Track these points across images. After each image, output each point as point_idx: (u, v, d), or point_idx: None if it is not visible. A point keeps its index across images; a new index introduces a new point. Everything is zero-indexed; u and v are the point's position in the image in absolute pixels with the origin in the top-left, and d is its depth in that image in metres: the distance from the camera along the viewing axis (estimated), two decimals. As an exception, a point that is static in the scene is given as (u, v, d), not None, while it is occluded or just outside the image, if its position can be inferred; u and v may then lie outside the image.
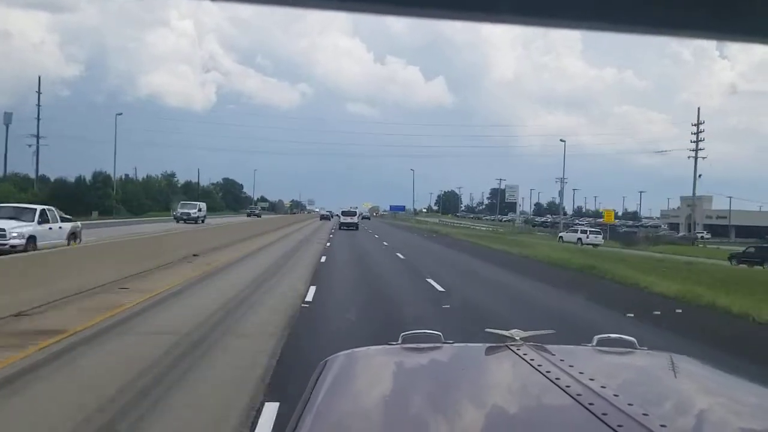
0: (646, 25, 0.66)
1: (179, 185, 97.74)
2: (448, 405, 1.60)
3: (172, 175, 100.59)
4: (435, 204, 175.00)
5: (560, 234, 55.83)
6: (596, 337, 2.06)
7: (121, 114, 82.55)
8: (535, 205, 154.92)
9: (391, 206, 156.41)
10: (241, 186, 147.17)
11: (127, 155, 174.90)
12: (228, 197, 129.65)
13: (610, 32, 0.67)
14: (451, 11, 0.64)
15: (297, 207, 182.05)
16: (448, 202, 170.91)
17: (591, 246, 46.96)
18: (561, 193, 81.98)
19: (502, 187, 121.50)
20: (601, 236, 52.49)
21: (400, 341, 2.05)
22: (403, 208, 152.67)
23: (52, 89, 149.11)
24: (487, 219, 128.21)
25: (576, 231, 54.91)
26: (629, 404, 1.38)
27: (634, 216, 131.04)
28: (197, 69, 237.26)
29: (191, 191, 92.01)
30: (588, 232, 53.36)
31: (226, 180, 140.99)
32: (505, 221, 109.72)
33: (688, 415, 1.56)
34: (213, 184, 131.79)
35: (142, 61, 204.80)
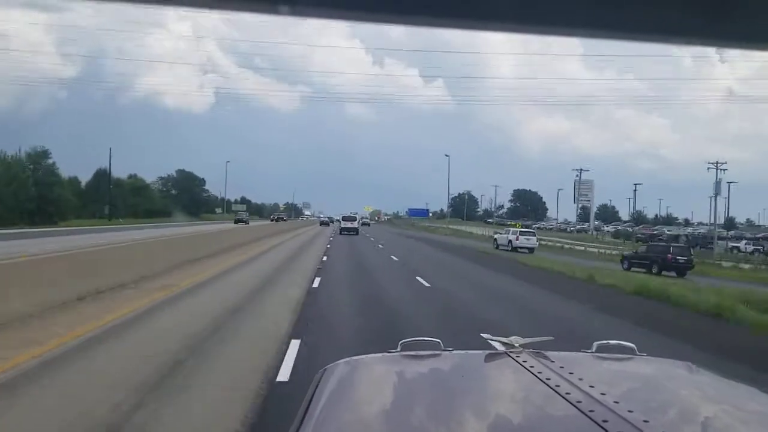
0: (641, 32, 0.66)
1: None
2: (448, 414, 1.59)
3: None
4: (449, 207, 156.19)
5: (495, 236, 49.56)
6: (596, 344, 2.06)
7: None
8: (635, 211, 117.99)
9: (410, 210, 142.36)
10: (202, 182, 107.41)
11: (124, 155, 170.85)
12: (183, 197, 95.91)
13: (608, 39, 0.68)
14: (449, 20, 0.65)
15: (289, 211, 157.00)
16: (462, 206, 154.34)
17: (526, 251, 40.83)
18: (714, 197, 63.73)
19: (569, 178, 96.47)
20: (535, 239, 44.32)
21: (399, 348, 2.04)
22: (426, 213, 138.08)
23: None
24: (545, 228, 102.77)
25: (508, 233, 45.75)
26: (629, 411, 1.38)
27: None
28: (195, 70, 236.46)
29: (115, 187, 68.76)
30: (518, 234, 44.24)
31: (181, 173, 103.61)
32: (579, 231, 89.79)
33: (689, 421, 1.56)
34: (161, 178, 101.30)
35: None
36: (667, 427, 1.34)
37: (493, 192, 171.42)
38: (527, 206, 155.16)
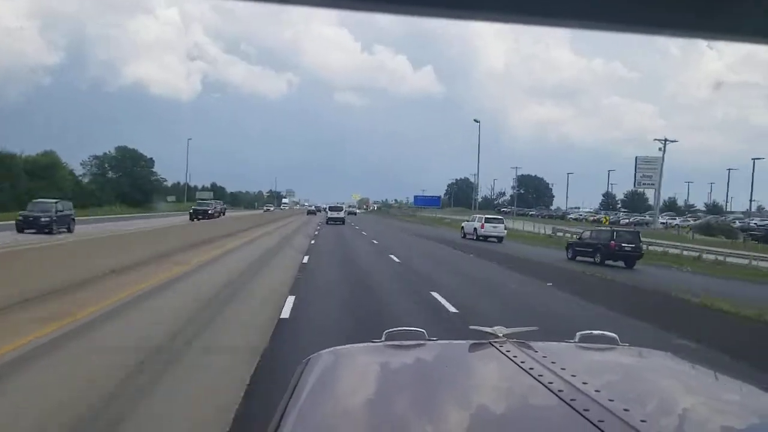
0: (633, 24, 0.67)
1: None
2: (432, 403, 1.60)
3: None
4: (445, 195, 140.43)
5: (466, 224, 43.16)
6: (579, 334, 2.08)
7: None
8: (711, 202, 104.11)
9: (417, 198, 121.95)
10: (150, 162, 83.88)
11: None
12: (123, 181, 75.98)
13: (601, 31, 0.68)
14: (441, 9, 0.64)
15: (271, 199, 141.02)
16: (462, 193, 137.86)
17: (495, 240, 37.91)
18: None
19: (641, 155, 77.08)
20: (502, 226, 39.82)
21: (383, 338, 2.05)
22: (437, 202, 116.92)
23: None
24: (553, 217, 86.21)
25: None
26: (610, 400, 1.40)
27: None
28: (182, 57, 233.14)
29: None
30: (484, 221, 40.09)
31: (122, 151, 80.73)
32: (637, 223, 67.26)
33: (669, 410, 1.58)
34: (96, 157, 78.88)
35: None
36: (647, 415, 1.36)
37: (495, 179, 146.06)
38: (532, 193, 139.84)
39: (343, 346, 2.09)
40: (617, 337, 2.08)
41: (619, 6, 0.64)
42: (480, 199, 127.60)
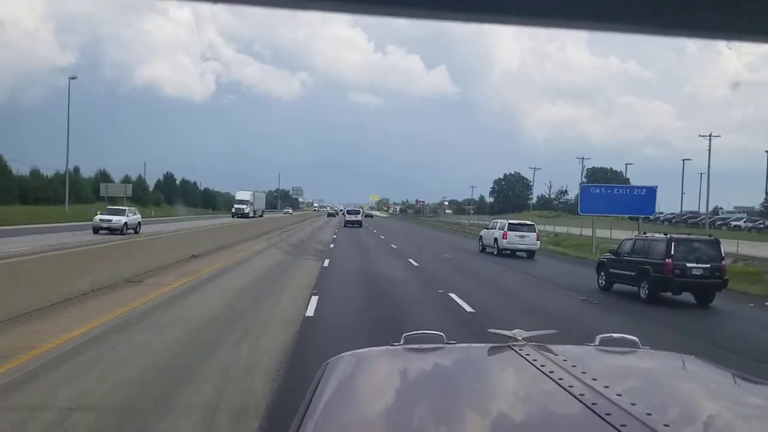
0: (648, 25, 0.66)
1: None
2: (452, 407, 1.59)
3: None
4: (490, 196, 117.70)
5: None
6: (599, 337, 2.06)
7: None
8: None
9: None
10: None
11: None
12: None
13: (615, 32, 0.67)
14: (452, 12, 0.64)
15: (273, 201, 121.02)
16: (509, 192, 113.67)
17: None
18: None
19: None
20: (534, 235, 28.19)
21: (402, 342, 2.04)
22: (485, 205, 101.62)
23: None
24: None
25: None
26: (632, 404, 1.38)
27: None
28: (196, 59, 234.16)
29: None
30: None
31: None
32: None
33: (692, 415, 1.56)
34: None
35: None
36: (670, 420, 1.34)
37: (550, 180, 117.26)
38: None
39: (363, 350, 2.08)
40: (637, 340, 2.05)
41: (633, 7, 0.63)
42: (534, 200, 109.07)
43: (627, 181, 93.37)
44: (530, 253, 27.76)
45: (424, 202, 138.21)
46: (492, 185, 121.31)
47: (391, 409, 1.61)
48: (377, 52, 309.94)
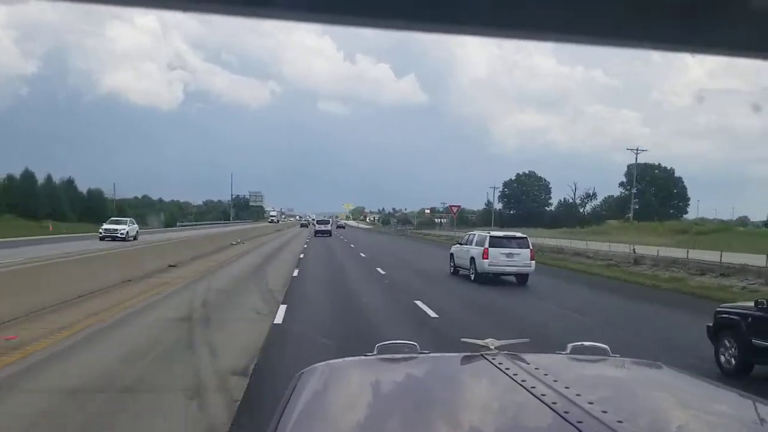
0: (618, 37, 0.67)
1: None
2: (426, 417, 1.59)
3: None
4: (500, 201, 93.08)
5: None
6: (570, 345, 2.08)
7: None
8: None
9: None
10: None
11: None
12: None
13: (583, 45, 0.68)
14: (423, 23, 0.65)
15: (223, 210, 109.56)
16: (522, 196, 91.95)
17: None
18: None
19: None
20: (527, 252, 19.42)
21: (375, 352, 2.04)
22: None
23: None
24: None
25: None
26: (603, 411, 1.39)
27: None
28: (162, 67, 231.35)
29: None
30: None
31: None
32: None
33: (662, 421, 1.58)
34: None
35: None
36: (639, 427, 1.36)
37: (575, 182, 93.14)
38: (655, 193, 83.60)
39: (336, 360, 2.07)
40: (608, 348, 2.08)
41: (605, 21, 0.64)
42: (552, 207, 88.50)
43: (680, 181, 79.63)
44: (521, 278, 19.55)
45: (403, 210, 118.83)
46: (501, 188, 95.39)
47: (365, 420, 1.60)
48: (346, 61, 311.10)
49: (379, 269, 22.71)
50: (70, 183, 69.94)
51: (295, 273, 20.32)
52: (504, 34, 0.66)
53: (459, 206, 53.11)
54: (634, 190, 73.24)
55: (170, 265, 20.35)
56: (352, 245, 40.78)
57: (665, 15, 0.64)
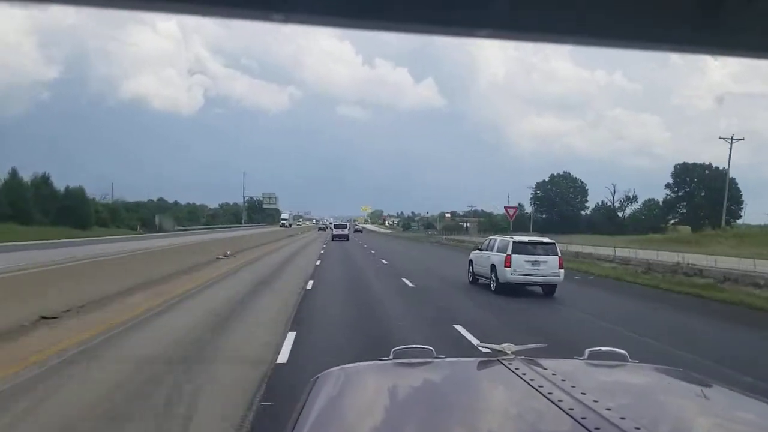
0: (632, 39, 0.67)
1: None
2: (442, 422, 1.58)
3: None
4: (531, 204, 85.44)
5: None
6: (587, 350, 2.06)
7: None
8: None
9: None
10: None
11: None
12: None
13: (598, 47, 0.68)
14: (441, 27, 0.65)
15: (236, 214, 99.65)
16: (556, 199, 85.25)
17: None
18: None
19: None
20: (555, 259, 17.21)
21: (391, 356, 2.03)
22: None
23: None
24: None
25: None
26: (622, 418, 1.38)
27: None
28: (182, 72, 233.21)
29: None
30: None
31: None
32: None
33: (681, 428, 1.56)
34: None
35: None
36: None
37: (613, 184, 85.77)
38: (703, 194, 75.56)
39: (352, 365, 2.07)
40: (626, 354, 2.05)
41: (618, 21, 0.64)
42: (588, 211, 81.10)
43: (733, 182, 68.89)
44: (548, 288, 17.49)
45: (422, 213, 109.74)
46: (533, 190, 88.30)
47: (381, 425, 1.59)
48: (365, 65, 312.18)
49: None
50: (44, 180, 60.23)
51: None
52: (522, 37, 0.66)
53: (516, 208, 43.93)
54: (726, 193, 61.28)
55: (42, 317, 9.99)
56: (384, 260, 30.03)
57: (685, 16, 0.64)
